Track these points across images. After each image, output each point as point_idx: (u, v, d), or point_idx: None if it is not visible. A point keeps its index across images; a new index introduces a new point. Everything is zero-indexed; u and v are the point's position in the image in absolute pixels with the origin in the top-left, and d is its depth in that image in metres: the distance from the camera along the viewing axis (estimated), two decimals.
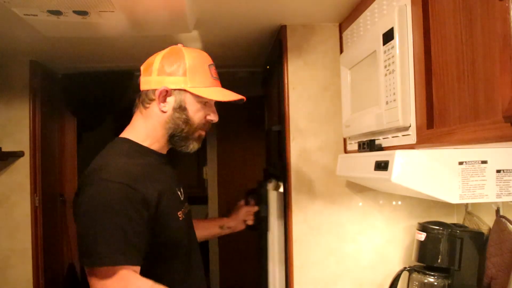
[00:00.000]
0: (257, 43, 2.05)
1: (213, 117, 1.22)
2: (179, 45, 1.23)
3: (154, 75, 1.15)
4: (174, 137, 1.18)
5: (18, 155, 2.13)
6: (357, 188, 1.75)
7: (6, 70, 2.16)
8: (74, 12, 1.39)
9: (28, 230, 2.13)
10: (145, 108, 1.17)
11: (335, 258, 1.75)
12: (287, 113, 1.76)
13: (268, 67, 2.30)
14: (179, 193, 1.30)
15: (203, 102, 1.19)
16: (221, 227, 1.69)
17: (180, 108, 1.16)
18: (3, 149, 2.11)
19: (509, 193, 1.10)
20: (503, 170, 1.10)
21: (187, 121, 1.17)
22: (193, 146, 1.22)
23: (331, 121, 1.75)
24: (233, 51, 2.21)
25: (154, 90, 1.15)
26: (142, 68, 1.21)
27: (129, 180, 1.05)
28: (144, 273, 1.06)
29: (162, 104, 1.15)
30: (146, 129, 1.18)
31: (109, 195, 1.02)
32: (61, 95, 2.55)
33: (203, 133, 1.24)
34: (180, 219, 1.22)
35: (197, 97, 1.16)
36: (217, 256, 3.72)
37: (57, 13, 1.40)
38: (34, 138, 2.18)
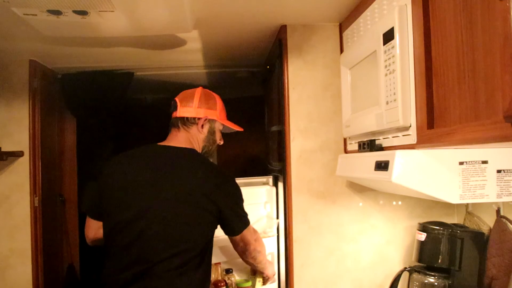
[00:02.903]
0: (257, 43, 2.05)
1: (222, 141, 1.65)
2: (201, 87, 1.61)
3: (194, 108, 1.54)
4: (205, 153, 1.58)
5: (17, 155, 2.13)
6: (357, 188, 1.75)
7: (6, 70, 2.16)
8: (74, 11, 1.39)
9: (27, 230, 2.12)
10: (188, 127, 1.54)
11: (335, 258, 1.75)
12: (287, 113, 1.76)
13: (268, 67, 2.30)
14: None
15: (220, 130, 1.62)
16: None
17: (212, 132, 1.58)
18: (3, 149, 2.11)
19: (510, 193, 1.10)
20: (503, 170, 1.10)
21: (214, 141, 1.59)
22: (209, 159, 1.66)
23: (331, 121, 1.75)
24: (233, 51, 2.21)
25: (194, 118, 1.54)
26: (178, 101, 1.56)
27: None
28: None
29: (201, 128, 1.55)
30: (194, 143, 1.55)
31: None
32: (61, 95, 2.55)
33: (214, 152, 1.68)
34: None
35: (221, 125, 1.61)
36: None
37: (57, 12, 1.39)
38: (34, 138, 2.18)
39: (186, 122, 1.54)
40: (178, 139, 1.53)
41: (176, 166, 1.43)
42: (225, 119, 1.63)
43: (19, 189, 2.14)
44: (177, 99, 1.58)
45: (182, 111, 1.55)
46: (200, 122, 1.55)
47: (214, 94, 1.62)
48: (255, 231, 1.60)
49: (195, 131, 1.55)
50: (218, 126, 1.60)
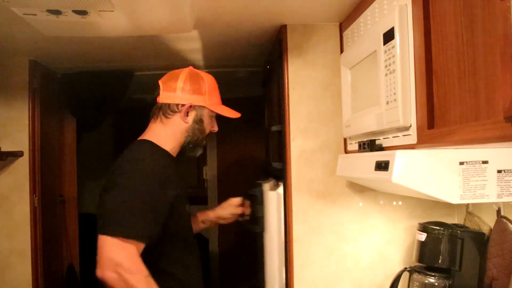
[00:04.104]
0: (257, 43, 2.05)
1: (215, 128, 1.48)
2: (191, 67, 1.44)
3: (178, 93, 1.36)
4: (190, 144, 1.41)
5: (17, 155, 2.12)
6: (357, 188, 1.75)
7: (5, 69, 2.15)
8: (74, 11, 1.39)
9: (27, 231, 2.12)
10: (167, 118, 1.37)
11: (335, 258, 1.74)
12: (287, 113, 1.76)
13: (268, 67, 2.29)
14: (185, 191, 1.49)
15: (212, 117, 1.44)
16: (203, 222, 1.81)
17: (200, 121, 1.40)
18: (2, 149, 2.11)
19: (510, 193, 1.10)
20: (504, 170, 1.09)
21: (202, 131, 1.42)
22: (200, 151, 1.47)
23: (331, 121, 1.75)
24: (233, 51, 2.20)
25: (177, 105, 1.36)
26: (161, 84, 1.39)
27: (157, 173, 1.25)
28: (156, 255, 1.27)
29: (185, 117, 1.37)
30: (166, 135, 1.37)
31: (136, 177, 1.21)
32: (61, 95, 2.55)
33: (205, 141, 1.49)
34: (187, 211, 1.44)
35: (211, 112, 1.42)
36: (217, 255, 3.72)
37: (57, 12, 1.39)
38: (34, 138, 2.17)
39: (167, 110, 1.36)
40: (148, 131, 1.38)
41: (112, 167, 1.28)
42: (217, 104, 1.43)
43: (19, 189, 2.14)
44: (160, 81, 1.40)
45: (164, 97, 1.37)
46: (183, 109, 1.36)
47: (202, 74, 1.43)
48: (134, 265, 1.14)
49: (177, 120, 1.37)
50: (207, 113, 1.41)
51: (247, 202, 1.83)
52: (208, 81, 1.42)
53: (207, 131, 1.44)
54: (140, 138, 1.38)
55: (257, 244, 1.98)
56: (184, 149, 1.43)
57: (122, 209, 1.16)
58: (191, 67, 1.43)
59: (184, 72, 1.40)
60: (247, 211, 1.82)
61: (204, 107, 1.39)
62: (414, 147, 1.11)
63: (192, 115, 1.38)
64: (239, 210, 1.81)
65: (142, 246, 1.17)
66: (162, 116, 1.37)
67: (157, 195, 1.23)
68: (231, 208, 1.79)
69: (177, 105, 1.36)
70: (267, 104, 2.46)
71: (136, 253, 1.15)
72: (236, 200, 1.81)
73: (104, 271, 1.12)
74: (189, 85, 1.37)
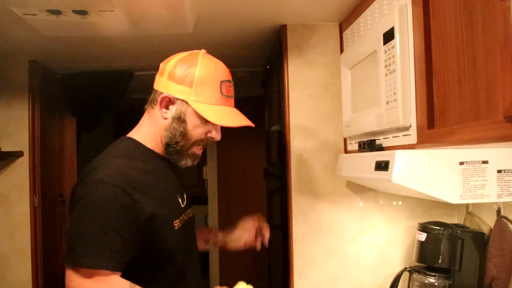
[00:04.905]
0: (257, 43, 2.05)
1: (215, 135, 1.14)
2: (201, 51, 1.15)
3: (164, 77, 1.10)
4: (169, 148, 1.12)
5: (17, 155, 2.13)
6: (358, 188, 1.75)
7: (5, 70, 2.15)
8: (74, 11, 1.39)
9: (27, 230, 2.12)
10: (152, 108, 1.13)
11: (335, 258, 1.74)
12: (287, 113, 1.76)
13: (268, 67, 2.29)
14: (179, 199, 1.23)
15: (205, 119, 1.10)
16: (206, 242, 1.48)
17: (179, 119, 1.09)
18: (3, 149, 2.11)
19: (510, 193, 1.10)
20: (504, 170, 1.09)
21: (183, 134, 1.10)
22: (185, 162, 1.16)
23: (331, 121, 1.75)
24: (233, 51, 2.20)
25: (160, 93, 1.10)
26: (160, 65, 1.14)
27: (124, 183, 1.02)
28: (132, 280, 1.05)
29: (163, 110, 1.10)
30: (149, 131, 1.14)
31: (98, 196, 0.99)
32: (61, 95, 2.55)
33: (199, 151, 1.17)
34: (176, 228, 1.15)
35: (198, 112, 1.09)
36: (217, 258, 3.71)
37: (57, 12, 1.39)
38: (34, 138, 2.17)
39: (153, 98, 1.12)
40: (137, 126, 1.17)
41: None
42: (210, 103, 1.07)
43: (19, 189, 2.14)
44: (162, 63, 1.15)
45: (155, 81, 1.13)
46: (161, 101, 1.09)
47: (204, 60, 1.10)
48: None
49: (157, 113, 1.11)
50: (192, 112, 1.08)
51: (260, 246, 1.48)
52: (204, 70, 1.08)
53: (195, 136, 1.11)
54: (128, 134, 1.17)
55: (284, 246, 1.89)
56: (166, 153, 1.15)
57: (83, 235, 0.99)
58: (204, 50, 1.15)
59: (183, 53, 1.13)
60: (266, 240, 1.46)
61: (187, 103, 1.07)
62: (414, 147, 1.11)
63: (172, 110, 1.09)
64: (257, 240, 1.45)
65: (113, 274, 1.01)
66: (149, 106, 1.14)
67: (126, 214, 1.01)
68: (248, 232, 1.44)
69: (160, 93, 1.10)
70: (267, 104, 2.46)
71: (105, 282, 1.01)
72: (254, 224, 1.45)
73: None
74: (177, 71, 1.08)
